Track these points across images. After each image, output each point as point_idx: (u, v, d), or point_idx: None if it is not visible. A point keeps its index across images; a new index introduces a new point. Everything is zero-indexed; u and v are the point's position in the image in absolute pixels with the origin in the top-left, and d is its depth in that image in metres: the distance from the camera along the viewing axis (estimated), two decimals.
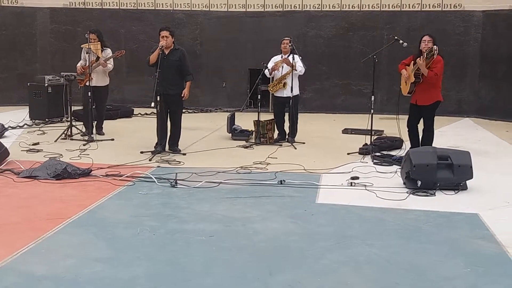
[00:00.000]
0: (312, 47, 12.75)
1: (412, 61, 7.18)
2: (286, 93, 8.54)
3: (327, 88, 13.00)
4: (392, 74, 12.23)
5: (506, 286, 3.59)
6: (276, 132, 8.85)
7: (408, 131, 7.50)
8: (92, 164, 6.68)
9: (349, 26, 12.83)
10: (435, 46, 6.90)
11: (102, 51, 8.99)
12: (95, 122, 8.97)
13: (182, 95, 7.64)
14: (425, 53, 6.94)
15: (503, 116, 11.66)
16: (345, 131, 9.86)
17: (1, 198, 5.40)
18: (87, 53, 8.75)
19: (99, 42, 8.94)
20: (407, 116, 7.50)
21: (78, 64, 9.09)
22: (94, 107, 8.77)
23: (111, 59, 9.04)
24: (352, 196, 5.64)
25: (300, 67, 8.47)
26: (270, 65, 8.70)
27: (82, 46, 9.13)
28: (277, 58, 8.73)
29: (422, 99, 7.23)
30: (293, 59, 8.43)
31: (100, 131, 9.15)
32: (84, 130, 8.90)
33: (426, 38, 7.09)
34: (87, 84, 8.72)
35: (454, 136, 9.55)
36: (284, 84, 8.54)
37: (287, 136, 8.72)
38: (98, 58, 8.90)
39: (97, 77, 8.97)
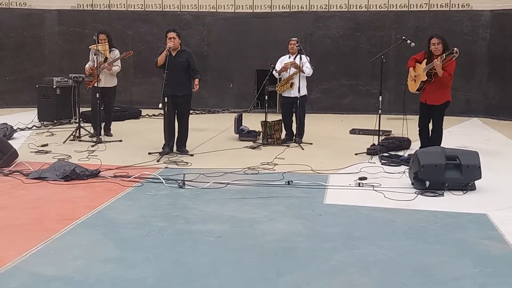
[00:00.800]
0: (319, 48, 12.76)
1: (425, 59, 7.14)
2: (293, 93, 8.55)
3: (334, 89, 12.99)
4: (400, 74, 12.20)
5: None
6: (284, 132, 8.86)
7: (419, 130, 7.49)
8: (101, 165, 6.71)
9: (357, 26, 12.83)
10: (455, 48, 6.83)
11: (110, 52, 9.03)
12: (103, 123, 9.01)
13: (193, 88, 7.62)
14: (444, 54, 6.89)
15: (511, 116, 11.60)
16: (353, 131, 9.85)
17: (10, 199, 5.43)
18: (95, 54, 8.79)
19: (108, 43, 8.98)
20: (417, 116, 7.50)
21: (87, 66, 9.14)
22: (102, 108, 8.81)
23: (119, 60, 9.08)
24: (360, 196, 5.62)
25: (307, 68, 8.47)
26: (278, 65, 8.71)
27: (90, 47, 9.18)
28: (285, 58, 8.73)
29: (432, 98, 7.21)
30: (301, 59, 8.43)
31: (108, 133, 9.18)
32: (92, 131, 8.94)
33: (434, 40, 7.03)
34: (95, 85, 8.76)
35: (463, 136, 9.52)
36: (291, 84, 8.54)
37: (294, 137, 8.72)
38: (106, 59, 8.94)
39: (105, 78, 9.02)
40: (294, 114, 8.73)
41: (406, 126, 7.54)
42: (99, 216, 4.94)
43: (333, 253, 4.07)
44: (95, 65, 8.77)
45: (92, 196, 5.54)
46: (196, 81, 7.66)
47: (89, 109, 9.37)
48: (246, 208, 5.19)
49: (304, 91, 8.64)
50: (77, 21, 13.39)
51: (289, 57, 8.65)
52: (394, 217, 4.95)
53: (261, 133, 8.82)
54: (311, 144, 8.60)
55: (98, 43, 8.80)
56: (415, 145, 7.73)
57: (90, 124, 9.20)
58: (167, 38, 7.59)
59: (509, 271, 3.77)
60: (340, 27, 12.90)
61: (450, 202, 5.44)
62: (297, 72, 8.44)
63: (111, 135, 9.15)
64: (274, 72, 8.72)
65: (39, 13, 13.34)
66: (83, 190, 5.78)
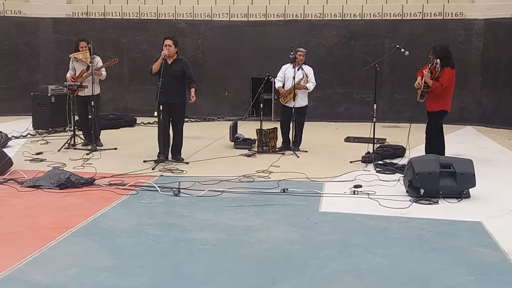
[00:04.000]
0: (314, 56, 12.75)
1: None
2: (297, 103, 8.58)
3: (329, 97, 13.02)
4: (394, 82, 12.27)
5: None
6: (280, 140, 8.87)
7: (425, 138, 7.54)
8: (95, 173, 6.70)
9: (351, 35, 12.87)
10: (437, 60, 6.97)
11: (91, 59, 8.89)
12: (92, 132, 8.88)
13: (191, 100, 7.63)
14: (430, 65, 7.05)
15: (505, 124, 11.67)
16: (348, 139, 9.87)
17: (5, 208, 5.42)
18: (77, 61, 8.74)
19: (88, 51, 8.86)
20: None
21: (68, 74, 9.04)
22: (89, 117, 8.77)
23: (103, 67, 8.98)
24: (355, 204, 5.64)
25: (312, 84, 8.69)
26: (280, 75, 8.75)
27: (70, 56, 9.10)
28: (288, 67, 8.71)
29: (429, 105, 7.36)
30: (303, 70, 8.57)
31: (98, 142, 8.82)
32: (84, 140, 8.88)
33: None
34: (81, 94, 8.76)
35: (457, 144, 9.54)
36: (295, 95, 8.59)
37: (291, 145, 8.74)
38: (88, 67, 8.82)
39: (90, 86, 8.93)
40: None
41: (408, 134, 7.58)
42: (94, 224, 4.93)
43: (329, 261, 4.07)
44: (77, 74, 8.75)
45: (87, 204, 5.53)
46: (192, 91, 7.64)
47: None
48: (242, 216, 5.20)
49: (305, 102, 8.76)
50: (72, 29, 13.37)
51: (293, 67, 8.61)
52: (389, 225, 4.97)
53: (256, 141, 8.83)
54: (306, 152, 8.61)
55: (79, 50, 8.77)
56: (410, 153, 7.75)
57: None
58: (163, 45, 7.60)
59: (503, 279, 3.78)
60: (335, 35, 12.95)
61: (444, 210, 5.45)
62: (299, 82, 8.54)
63: (101, 145, 8.87)
64: (276, 83, 8.78)
65: (34, 21, 13.33)
66: (78, 198, 5.76)
